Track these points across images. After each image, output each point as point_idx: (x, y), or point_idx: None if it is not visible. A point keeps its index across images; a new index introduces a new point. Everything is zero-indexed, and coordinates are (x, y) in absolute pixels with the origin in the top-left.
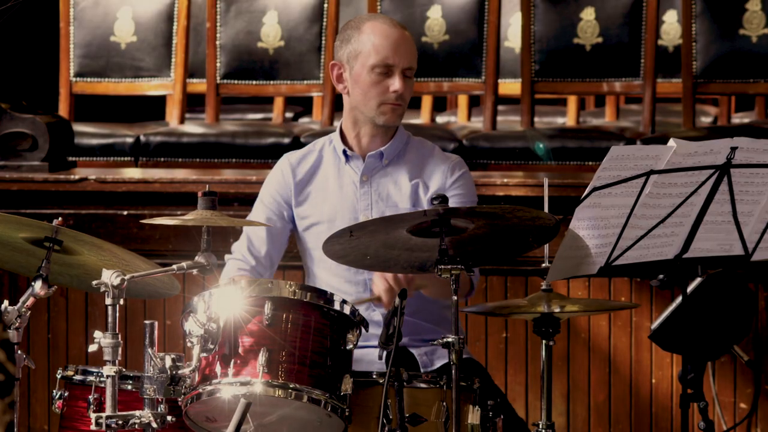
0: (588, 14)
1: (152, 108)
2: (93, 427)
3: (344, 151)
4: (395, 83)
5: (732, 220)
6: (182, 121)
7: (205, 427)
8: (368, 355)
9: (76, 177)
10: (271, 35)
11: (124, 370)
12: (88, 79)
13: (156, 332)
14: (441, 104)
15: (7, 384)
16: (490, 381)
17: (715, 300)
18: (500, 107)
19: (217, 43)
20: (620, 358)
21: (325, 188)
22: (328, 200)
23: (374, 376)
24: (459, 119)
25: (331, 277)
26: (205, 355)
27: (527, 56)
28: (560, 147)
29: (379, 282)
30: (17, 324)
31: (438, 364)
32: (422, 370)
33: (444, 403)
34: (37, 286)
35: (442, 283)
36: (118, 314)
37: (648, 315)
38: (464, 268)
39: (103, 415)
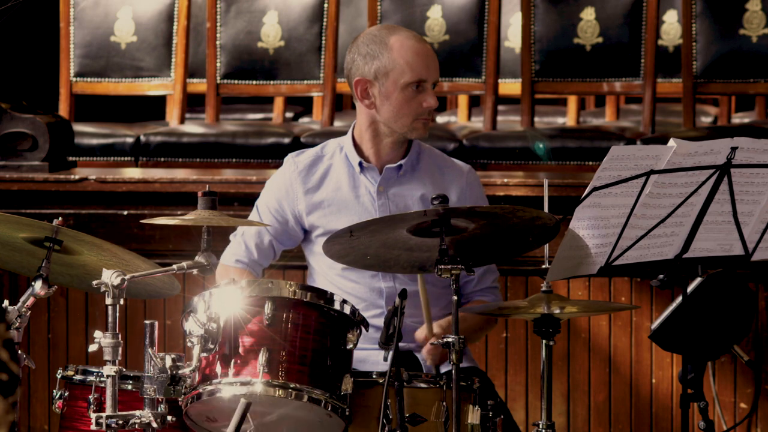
0: (588, 14)
1: (152, 108)
2: (93, 427)
3: (360, 163)
4: (429, 99)
5: (732, 220)
6: (182, 121)
7: (205, 427)
8: (372, 356)
9: (76, 177)
10: (271, 35)
11: (124, 370)
12: (88, 79)
13: (156, 332)
14: (441, 104)
15: (10, 383)
16: (491, 388)
17: (715, 300)
18: (500, 107)
19: (217, 43)
20: (620, 358)
21: (340, 197)
22: (344, 210)
23: (374, 376)
24: (459, 119)
25: (346, 283)
26: (205, 355)
27: (527, 56)
28: (560, 147)
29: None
30: (18, 324)
31: (442, 370)
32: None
33: (444, 403)
34: (37, 286)
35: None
36: (118, 314)
37: (648, 315)
38: (464, 267)
39: (103, 415)
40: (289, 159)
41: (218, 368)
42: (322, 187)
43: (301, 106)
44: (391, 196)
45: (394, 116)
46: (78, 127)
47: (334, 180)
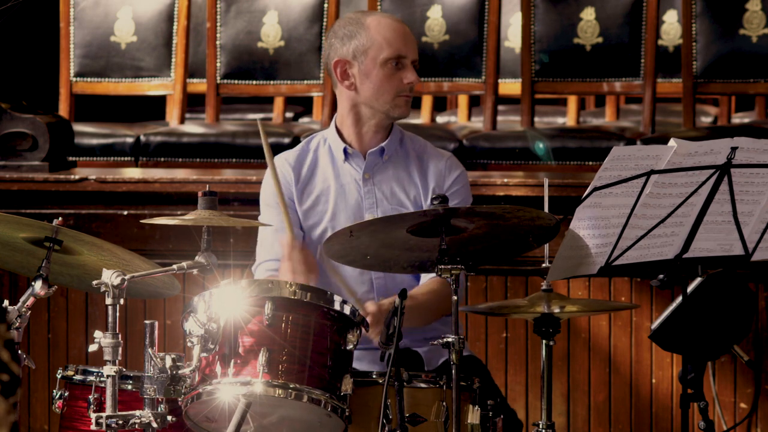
0: (588, 14)
1: (152, 108)
2: (93, 427)
3: (344, 149)
4: (409, 75)
5: (732, 220)
6: (182, 121)
7: (205, 427)
8: (368, 356)
9: (76, 177)
10: (271, 35)
11: (124, 370)
12: (88, 79)
13: (156, 332)
14: (441, 104)
15: (11, 384)
16: (490, 380)
17: (715, 300)
18: (500, 107)
19: (217, 43)
20: (620, 358)
21: (327, 188)
22: (331, 199)
23: (374, 376)
24: (459, 119)
25: (335, 275)
26: (205, 355)
27: (527, 56)
28: (560, 147)
29: (371, 307)
30: (18, 324)
31: (441, 360)
32: (426, 368)
33: (444, 403)
34: (37, 286)
35: (419, 315)
36: (118, 314)
37: (648, 315)
38: (464, 267)
39: (103, 415)
40: (279, 157)
41: (218, 368)
42: (310, 180)
43: (301, 106)
44: (377, 182)
45: (375, 94)
46: (78, 127)
47: (320, 172)
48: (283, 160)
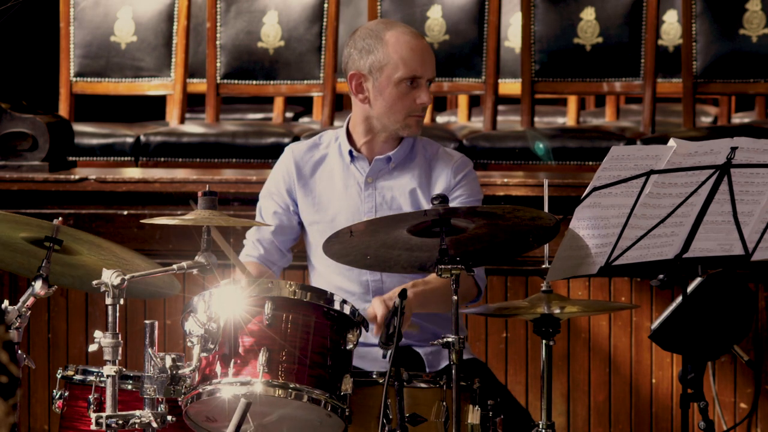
0: (588, 14)
1: (152, 108)
2: (93, 426)
3: (350, 152)
4: (422, 96)
5: (732, 220)
6: (182, 121)
7: (205, 427)
8: (371, 354)
9: (76, 177)
10: (271, 35)
11: (124, 369)
12: (88, 79)
13: (156, 332)
14: (441, 104)
15: (10, 385)
16: (493, 379)
17: (715, 300)
18: (500, 107)
19: (217, 43)
20: (620, 358)
21: (330, 186)
22: (333, 199)
23: (374, 376)
24: (459, 119)
25: (332, 274)
26: (205, 354)
27: (527, 56)
28: (560, 147)
29: (378, 308)
30: (18, 324)
31: (444, 364)
32: (428, 370)
33: (444, 403)
34: (37, 285)
35: (437, 299)
36: (118, 314)
37: (648, 315)
38: (464, 267)
39: (103, 414)
40: (288, 148)
41: (218, 368)
42: (315, 176)
43: (301, 106)
44: (378, 187)
45: (387, 112)
46: (78, 127)
47: (327, 169)
48: (290, 152)
